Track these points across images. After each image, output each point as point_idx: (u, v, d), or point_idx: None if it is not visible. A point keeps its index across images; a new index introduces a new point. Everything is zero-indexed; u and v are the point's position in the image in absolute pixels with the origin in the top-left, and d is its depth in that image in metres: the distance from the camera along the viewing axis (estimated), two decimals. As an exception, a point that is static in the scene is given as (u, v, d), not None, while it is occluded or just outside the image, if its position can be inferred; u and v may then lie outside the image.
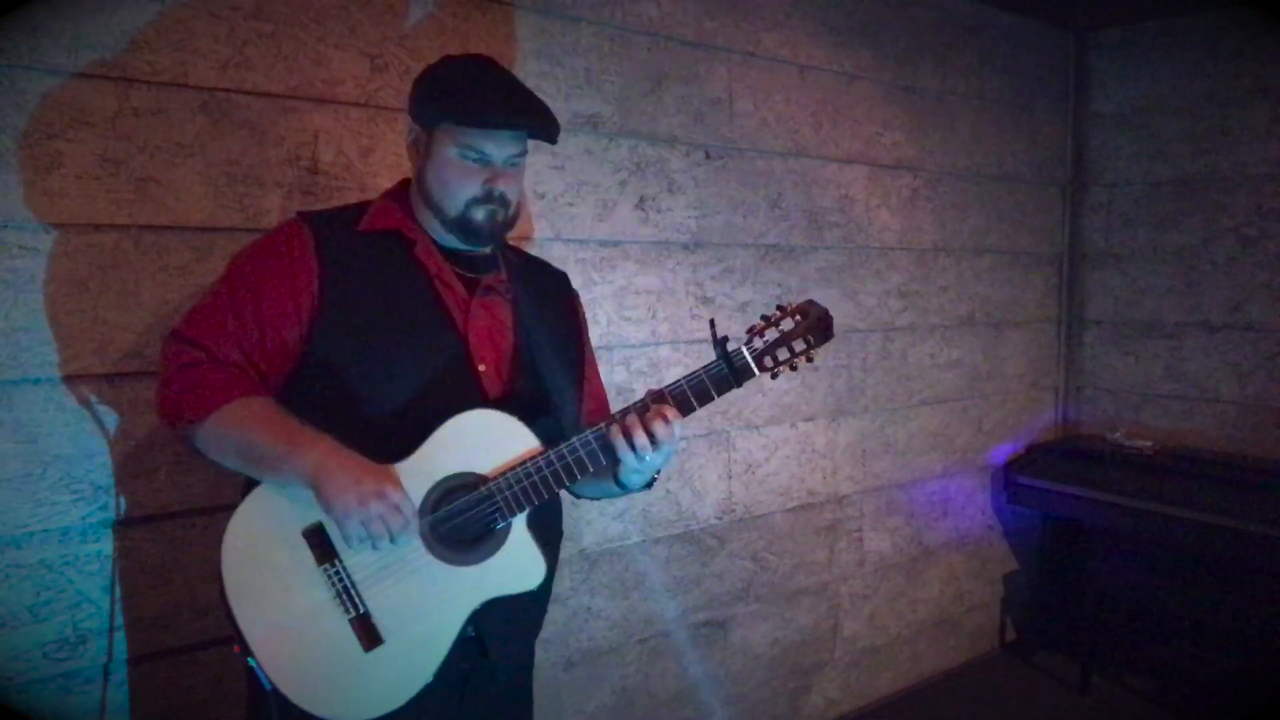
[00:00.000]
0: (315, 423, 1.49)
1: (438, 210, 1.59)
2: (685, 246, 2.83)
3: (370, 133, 2.17)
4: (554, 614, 2.62)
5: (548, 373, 1.65)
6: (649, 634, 2.85)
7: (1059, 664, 3.83)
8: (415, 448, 1.50)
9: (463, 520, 1.51)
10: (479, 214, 1.57)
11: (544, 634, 2.58)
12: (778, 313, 1.56)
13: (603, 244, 2.64)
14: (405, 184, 1.70)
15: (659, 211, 2.76)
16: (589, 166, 2.59)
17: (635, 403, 1.54)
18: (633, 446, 1.50)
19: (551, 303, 1.76)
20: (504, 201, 1.58)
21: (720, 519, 2.99)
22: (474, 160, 1.56)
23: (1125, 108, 3.97)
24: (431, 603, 1.51)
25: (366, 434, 1.49)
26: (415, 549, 1.50)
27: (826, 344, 1.57)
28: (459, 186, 1.56)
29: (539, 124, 1.60)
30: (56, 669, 1.84)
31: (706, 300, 2.89)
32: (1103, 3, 3.71)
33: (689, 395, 1.54)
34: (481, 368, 1.60)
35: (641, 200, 2.71)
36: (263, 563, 1.49)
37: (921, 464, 3.63)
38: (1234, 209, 3.68)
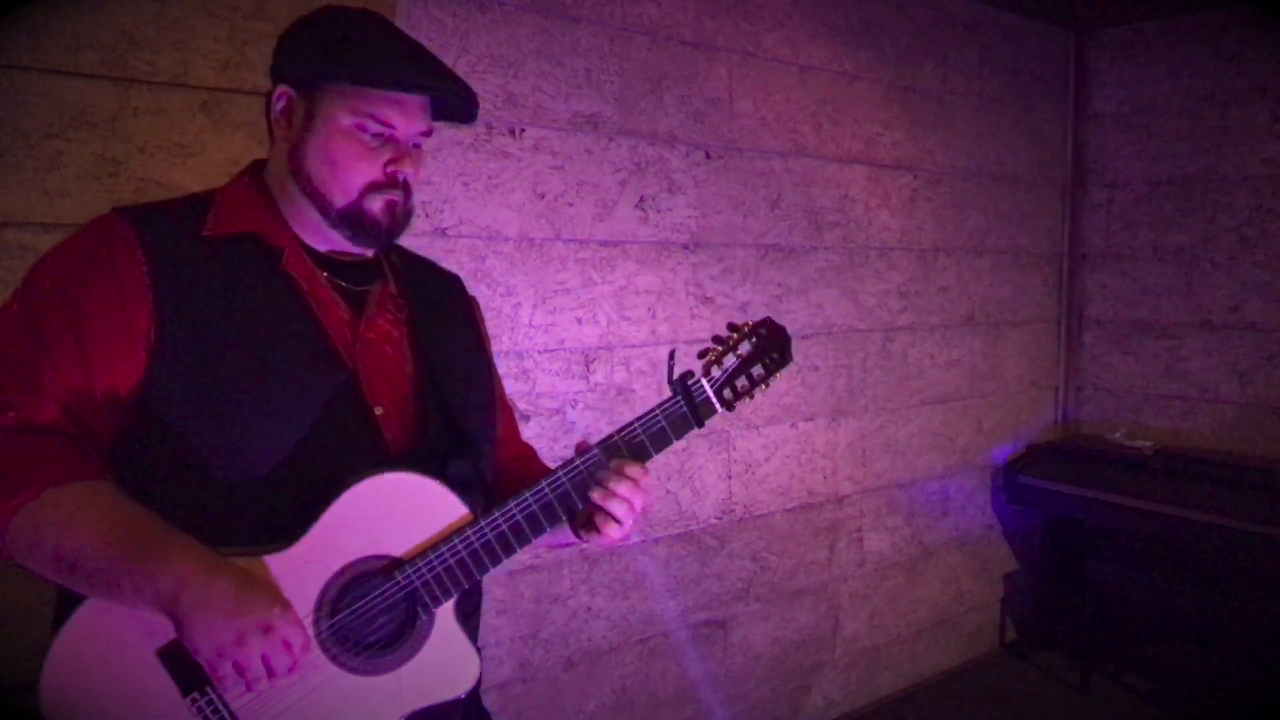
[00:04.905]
0: (159, 501, 1.14)
1: (319, 199, 1.25)
2: (685, 246, 2.83)
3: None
4: (554, 614, 2.62)
5: (459, 407, 1.33)
6: (649, 634, 2.85)
7: (1059, 664, 3.82)
8: (305, 528, 1.17)
9: (373, 618, 1.21)
10: (376, 204, 1.25)
11: (544, 634, 2.61)
12: (733, 334, 1.39)
13: (603, 244, 2.64)
14: (258, 168, 1.33)
15: (659, 211, 2.76)
16: (589, 166, 2.59)
17: (586, 458, 1.30)
18: (613, 517, 1.29)
19: (452, 315, 1.44)
20: (407, 190, 1.28)
21: (720, 519, 2.99)
22: (375, 134, 1.23)
23: (1125, 108, 3.97)
24: None
25: (231, 513, 1.16)
26: (314, 659, 1.19)
27: (786, 368, 1.42)
28: (354, 167, 1.23)
29: (460, 90, 1.27)
30: (56, 669, 1.84)
31: (706, 300, 2.89)
32: (1103, 3, 3.71)
33: (645, 443, 1.32)
34: (379, 410, 1.26)
35: (641, 200, 2.71)
36: (105, 701, 1.12)
37: (921, 464, 3.63)
38: (1234, 209, 3.68)
